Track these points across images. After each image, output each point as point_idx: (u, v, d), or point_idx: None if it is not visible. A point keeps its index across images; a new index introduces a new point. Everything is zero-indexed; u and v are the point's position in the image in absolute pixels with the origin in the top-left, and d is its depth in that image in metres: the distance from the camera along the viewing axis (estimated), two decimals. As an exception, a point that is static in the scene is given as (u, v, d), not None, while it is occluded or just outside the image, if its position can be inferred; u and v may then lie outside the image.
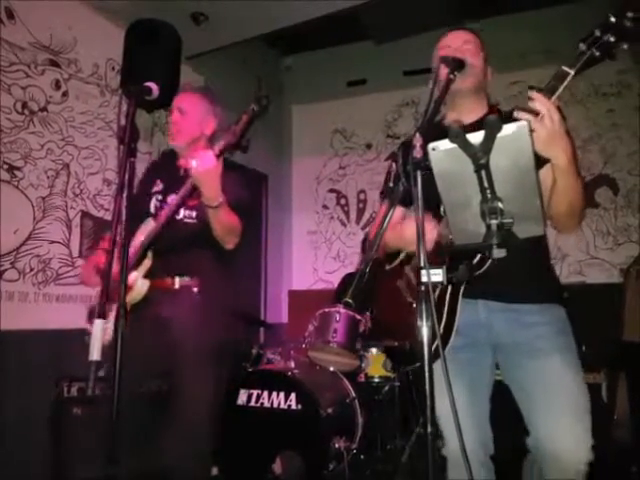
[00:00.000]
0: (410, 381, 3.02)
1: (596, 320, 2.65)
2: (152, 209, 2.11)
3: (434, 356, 1.18)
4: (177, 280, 2.01)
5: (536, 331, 1.49)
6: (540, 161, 1.23)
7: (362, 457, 2.85)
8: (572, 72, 1.29)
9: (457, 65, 1.49)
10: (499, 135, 1.09)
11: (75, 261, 3.05)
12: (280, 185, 5.19)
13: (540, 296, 1.54)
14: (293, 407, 2.68)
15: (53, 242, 2.97)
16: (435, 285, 1.42)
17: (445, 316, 1.46)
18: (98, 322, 1.34)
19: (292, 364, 2.93)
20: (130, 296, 1.80)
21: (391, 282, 1.66)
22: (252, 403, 2.78)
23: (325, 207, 5.13)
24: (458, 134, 1.11)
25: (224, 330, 2.14)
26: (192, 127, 2.13)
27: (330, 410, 2.68)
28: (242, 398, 2.81)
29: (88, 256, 2.57)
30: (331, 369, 2.74)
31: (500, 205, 1.13)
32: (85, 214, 3.15)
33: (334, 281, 4.64)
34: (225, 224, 1.93)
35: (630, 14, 1.24)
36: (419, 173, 1.19)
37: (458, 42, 1.63)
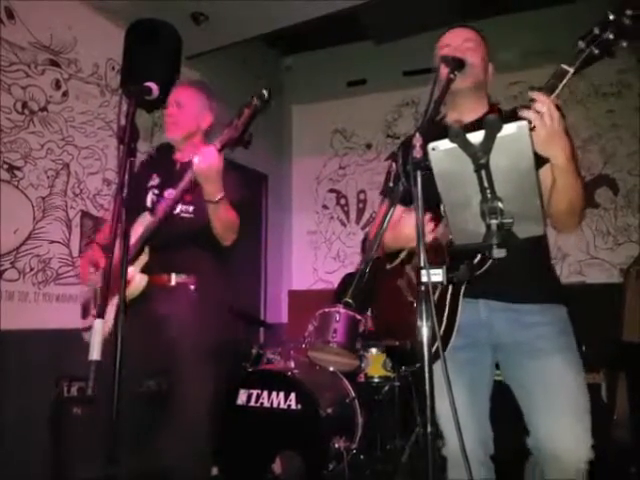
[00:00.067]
0: (410, 381, 3.02)
1: (596, 320, 2.65)
2: (149, 203, 2.10)
3: (434, 357, 1.18)
4: (173, 277, 2.01)
5: (537, 331, 1.49)
6: (540, 160, 1.23)
7: (362, 457, 2.85)
8: (571, 70, 1.29)
9: (457, 65, 1.49)
10: (499, 135, 1.09)
11: (75, 261, 3.05)
12: (280, 185, 5.19)
13: (541, 296, 1.54)
14: (293, 407, 2.68)
15: (53, 242, 2.97)
16: (436, 285, 1.43)
17: (446, 316, 1.46)
18: (98, 322, 1.34)
19: (292, 364, 2.93)
20: (128, 291, 1.80)
21: (392, 281, 1.65)
22: (252, 403, 2.78)
23: (325, 207, 5.13)
24: (458, 134, 1.11)
25: (222, 328, 2.13)
26: (189, 120, 2.13)
27: (330, 410, 2.68)
28: (242, 398, 2.81)
29: (84, 251, 2.56)
30: (331, 369, 2.75)
31: (500, 205, 1.13)
32: (85, 214, 3.15)
33: (334, 281, 4.64)
34: (224, 220, 1.93)
35: (629, 12, 1.24)
36: (419, 173, 1.19)
37: (458, 40, 1.62)
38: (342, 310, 2.12)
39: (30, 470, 2.52)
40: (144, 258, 1.95)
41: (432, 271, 1.15)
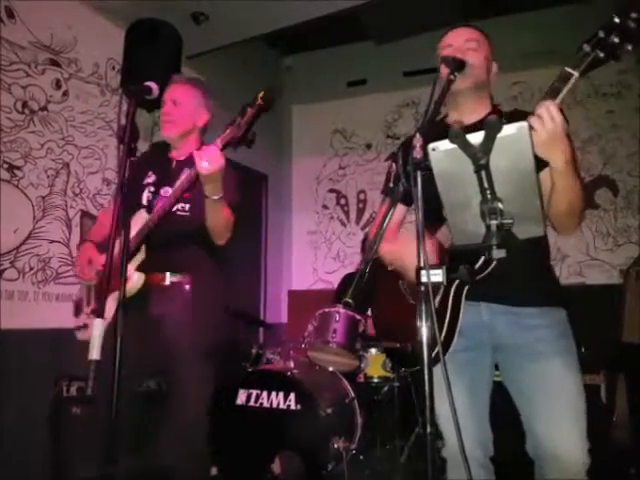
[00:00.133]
0: (409, 381, 3.02)
1: (596, 321, 2.65)
2: (144, 201, 2.09)
3: (435, 360, 1.18)
4: (168, 276, 2.00)
5: (537, 334, 1.50)
6: (540, 163, 1.23)
7: (361, 457, 2.85)
8: (576, 74, 1.27)
9: (457, 65, 1.48)
10: (499, 135, 1.09)
11: (75, 260, 3.05)
12: (280, 185, 5.19)
13: (540, 297, 1.54)
14: (292, 407, 2.68)
15: (53, 241, 2.97)
16: (438, 288, 1.43)
17: (447, 321, 1.46)
18: (98, 321, 1.34)
19: (291, 364, 2.93)
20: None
21: (392, 283, 1.65)
22: (251, 403, 2.78)
23: (325, 207, 5.13)
24: (458, 134, 1.11)
25: (218, 327, 2.12)
26: (185, 119, 2.12)
27: (329, 410, 2.68)
28: (241, 398, 2.81)
29: (79, 246, 2.55)
30: (330, 369, 2.75)
31: (500, 205, 1.13)
32: (85, 213, 3.15)
33: (334, 281, 4.64)
34: (220, 218, 1.93)
35: (634, 15, 1.22)
36: (419, 173, 1.19)
37: (460, 41, 1.61)
38: (342, 310, 2.12)
39: (29, 469, 2.52)
40: (140, 256, 1.94)
41: (432, 271, 1.15)
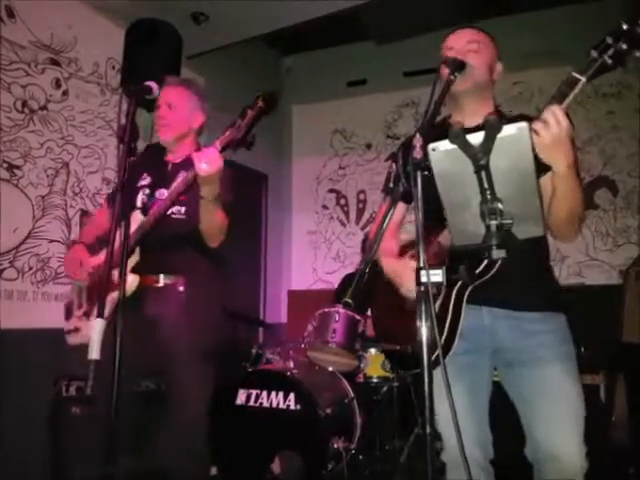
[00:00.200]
0: (409, 382, 3.02)
1: (595, 321, 2.65)
2: (139, 203, 2.09)
3: (435, 363, 1.18)
4: (161, 278, 2.00)
5: (539, 339, 1.50)
6: (541, 167, 1.23)
7: (361, 457, 2.85)
8: (584, 79, 1.27)
9: (457, 66, 1.48)
10: (499, 136, 1.09)
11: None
12: (280, 185, 5.19)
13: (540, 300, 1.54)
14: (292, 407, 2.68)
15: (52, 241, 2.97)
16: (439, 291, 1.43)
17: (449, 322, 1.46)
18: (98, 322, 1.34)
19: (291, 364, 2.93)
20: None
21: (392, 284, 1.65)
22: (251, 403, 2.78)
23: (325, 207, 5.13)
24: (458, 135, 1.11)
25: (216, 328, 2.12)
26: (181, 122, 2.12)
27: (329, 410, 2.68)
28: (241, 398, 2.81)
29: (70, 246, 2.54)
30: (330, 369, 2.75)
31: (500, 206, 1.13)
32: (84, 213, 3.15)
33: (334, 281, 4.65)
34: (216, 220, 1.92)
35: None
36: (419, 174, 1.19)
37: (461, 43, 1.60)
38: (341, 310, 2.13)
39: (29, 469, 2.52)
40: (134, 258, 1.94)
41: (431, 272, 1.15)
